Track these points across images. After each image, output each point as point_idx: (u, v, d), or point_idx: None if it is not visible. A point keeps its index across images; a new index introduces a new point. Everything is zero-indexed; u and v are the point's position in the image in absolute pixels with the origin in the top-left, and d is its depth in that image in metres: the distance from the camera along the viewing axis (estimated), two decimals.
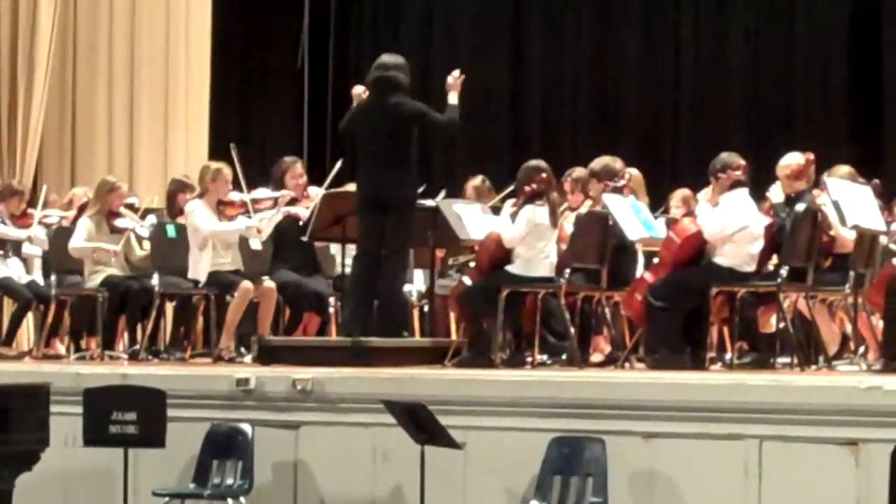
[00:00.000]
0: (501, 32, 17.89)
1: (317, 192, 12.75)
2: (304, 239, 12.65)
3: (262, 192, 13.04)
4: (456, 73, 11.92)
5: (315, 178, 13.30)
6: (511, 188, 12.50)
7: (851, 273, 11.45)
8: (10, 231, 13.85)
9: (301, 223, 12.60)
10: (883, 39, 16.28)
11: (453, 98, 11.79)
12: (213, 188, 12.75)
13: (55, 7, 16.35)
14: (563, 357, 11.89)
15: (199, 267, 12.61)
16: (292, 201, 12.87)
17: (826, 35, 16.51)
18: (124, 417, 10.44)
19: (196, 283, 12.69)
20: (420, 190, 12.16)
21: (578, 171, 12.59)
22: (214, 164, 13.19)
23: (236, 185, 12.93)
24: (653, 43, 17.25)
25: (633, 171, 12.52)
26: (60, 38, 16.54)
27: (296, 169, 13.14)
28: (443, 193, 13.03)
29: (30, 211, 14.25)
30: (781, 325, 11.54)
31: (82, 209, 13.59)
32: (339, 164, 12.84)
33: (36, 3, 16.23)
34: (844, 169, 11.85)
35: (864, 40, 16.37)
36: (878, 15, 16.33)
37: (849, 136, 15.07)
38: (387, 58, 11.95)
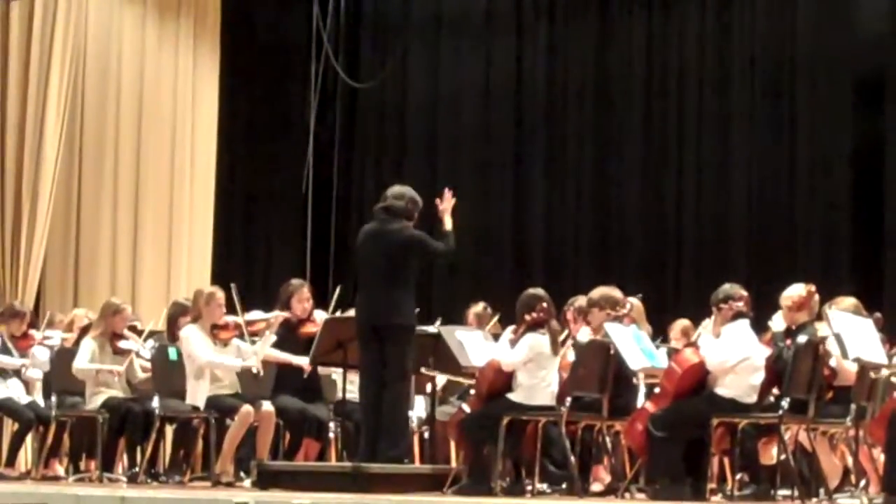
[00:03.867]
0: (504, 163, 17.97)
1: (320, 316, 12.77)
2: (310, 363, 12.68)
3: (256, 314, 13.13)
4: (447, 194, 11.92)
5: (317, 301, 13.30)
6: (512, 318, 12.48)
7: (853, 406, 11.44)
8: (3, 359, 13.83)
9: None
10: (885, 174, 16.32)
11: (448, 223, 11.81)
12: (206, 312, 12.75)
13: (61, 129, 16.42)
14: (563, 486, 11.85)
15: (198, 394, 12.61)
16: (285, 322, 12.90)
17: (828, 168, 16.55)
18: None
19: (196, 408, 12.67)
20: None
21: (581, 301, 12.61)
22: (208, 289, 13.25)
23: (230, 308, 12.95)
24: (654, 173, 17.31)
25: (634, 301, 12.56)
26: (66, 160, 16.61)
27: (302, 293, 13.15)
28: (439, 321, 13.04)
29: (31, 332, 14.26)
30: (782, 457, 11.53)
31: (84, 330, 13.59)
32: (338, 291, 12.86)
33: (42, 127, 16.29)
34: (849, 301, 11.88)
35: (867, 174, 16.42)
36: (881, 148, 16.38)
37: (850, 269, 15.08)
38: (393, 188, 12.05)
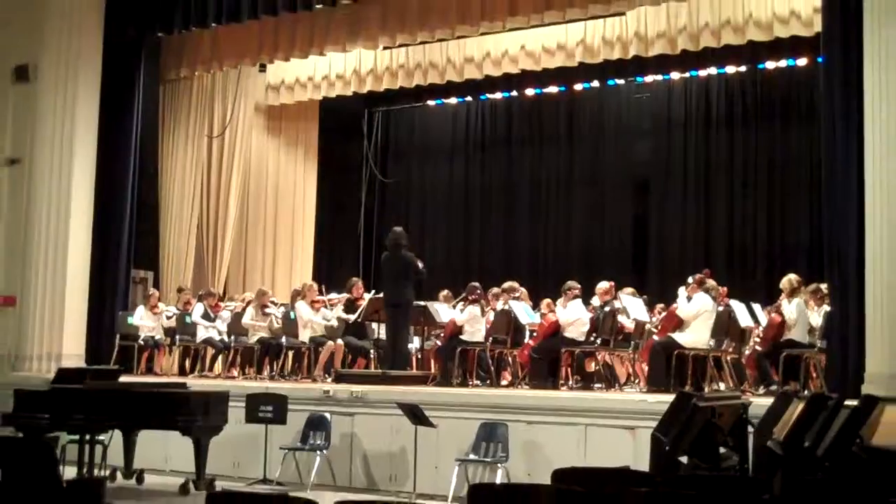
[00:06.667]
0: (460, 223, 17.73)
1: (367, 296, 12.76)
2: (359, 320, 12.67)
3: (333, 295, 13.16)
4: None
5: (365, 288, 13.28)
6: (462, 297, 12.50)
7: (633, 342, 11.55)
8: (204, 322, 13.76)
9: (357, 313, 12.66)
10: (648, 234, 16.25)
11: (420, 265, 11.77)
12: (308, 294, 12.90)
13: (237, 208, 16.40)
14: (487, 382, 11.84)
15: (304, 334, 12.69)
16: (348, 301, 12.91)
17: (620, 228, 16.46)
18: (266, 409, 10.40)
19: (304, 342, 12.64)
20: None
21: (495, 290, 12.60)
22: (309, 283, 13.42)
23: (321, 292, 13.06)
24: (535, 227, 17.16)
25: (523, 290, 12.58)
26: (237, 223, 16.54)
27: (358, 284, 13.17)
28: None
29: (220, 304, 14.24)
30: (597, 367, 11.58)
31: (248, 303, 13.57)
32: (373, 292, 12.81)
33: (227, 207, 16.26)
34: (630, 289, 11.97)
35: (639, 232, 16.33)
36: (647, 220, 16.31)
37: (632, 275, 14.98)
38: (396, 229, 12.06)
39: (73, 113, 13.04)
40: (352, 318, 12.67)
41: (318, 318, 12.75)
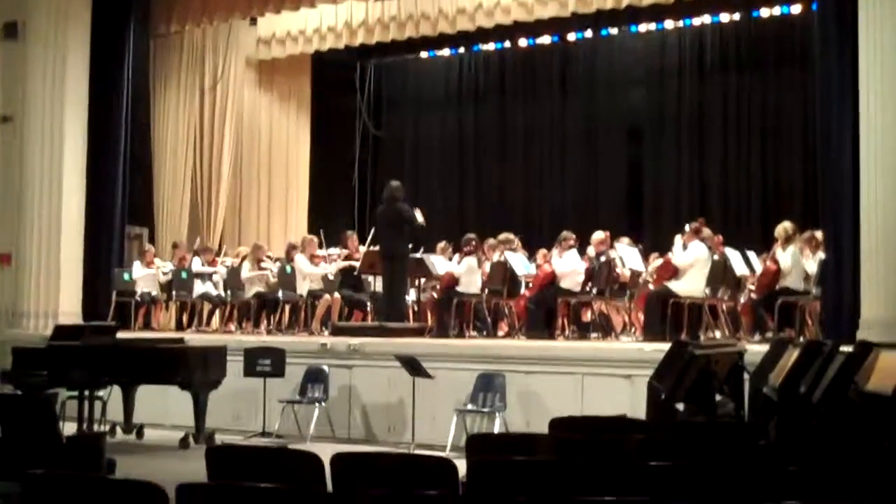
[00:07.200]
0: (455, 175, 17.64)
1: (362, 249, 12.74)
2: (356, 273, 12.65)
3: (332, 251, 13.14)
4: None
5: (361, 241, 13.26)
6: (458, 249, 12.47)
7: (628, 291, 11.55)
8: (205, 269, 13.82)
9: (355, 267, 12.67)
10: (643, 182, 16.19)
11: (420, 218, 11.70)
12: (308, 248, 12.85)
13: (230, 160, 16.26)
14: (484, 333, 11.86)
15: (303, 287, 12.64)
16: (347, 257, 12.89)
17: (614, 176, 16.39)
18: (264, 362, 10.41)
19: (301, 295, 12.63)
20: (410, 247, 12.11)
21: (491, 241, 12.56)
22: (309, 237, 13.34)
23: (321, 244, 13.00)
24: (529, 179, 17.11)
25: (517, 241, 12.55)
26: (232, 174, 16.39)
27: (353, 237, 13.16)
28: (422, 249, 13.00)
29: (216, 258, 14.21)
30: (593, 316, 11.60)
31: (244, 258, 13.55)
32: (369, 239, 12.78)
33: (221, 159, 16.12)
34: (626, 239, 11.95)
35: (634, 180, 16.24)
36: (641, 166, 16.25)
37: (626, 224, 14.94)
38: (393, 183, 11.98)
39: (63, 70, 12.91)
40: (360, 253, 12.58)
41: (317, 270, 12.73)
